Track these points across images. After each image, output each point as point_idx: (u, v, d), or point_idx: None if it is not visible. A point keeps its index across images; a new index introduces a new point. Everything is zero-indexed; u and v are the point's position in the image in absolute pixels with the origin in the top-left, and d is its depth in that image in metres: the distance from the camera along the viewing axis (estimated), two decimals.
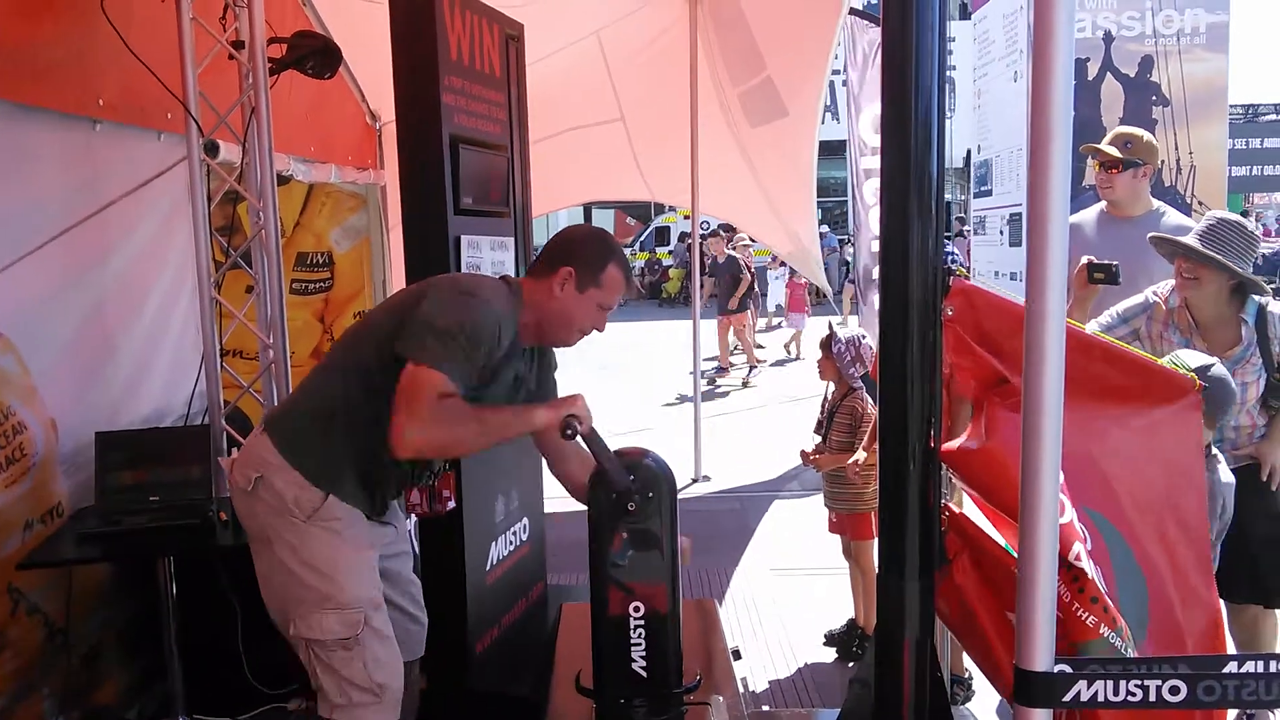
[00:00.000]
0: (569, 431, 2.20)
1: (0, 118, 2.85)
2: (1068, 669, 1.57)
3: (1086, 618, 1.84)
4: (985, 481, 2.14)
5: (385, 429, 2.15)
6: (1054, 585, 1.57)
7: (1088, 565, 1.85)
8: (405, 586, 2.66)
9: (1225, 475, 2.57)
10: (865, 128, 6.52)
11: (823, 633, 4.16)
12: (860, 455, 3.75)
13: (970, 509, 2.44)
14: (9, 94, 2.87)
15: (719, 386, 11.03)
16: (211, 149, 3.55)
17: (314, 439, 2.34)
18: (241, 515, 2.39)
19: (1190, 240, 3.01)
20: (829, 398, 4.09)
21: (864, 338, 3.90)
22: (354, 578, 2.33)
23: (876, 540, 3.49)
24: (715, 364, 11.81)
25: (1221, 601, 2.32)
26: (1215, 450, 2.61)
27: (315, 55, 3.69)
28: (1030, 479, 1.55)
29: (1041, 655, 1.56)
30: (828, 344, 3.95)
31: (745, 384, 11.10)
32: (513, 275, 2.56)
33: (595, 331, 2.51)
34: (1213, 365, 2.49)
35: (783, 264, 14.39)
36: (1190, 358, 2.49)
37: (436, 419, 2.12)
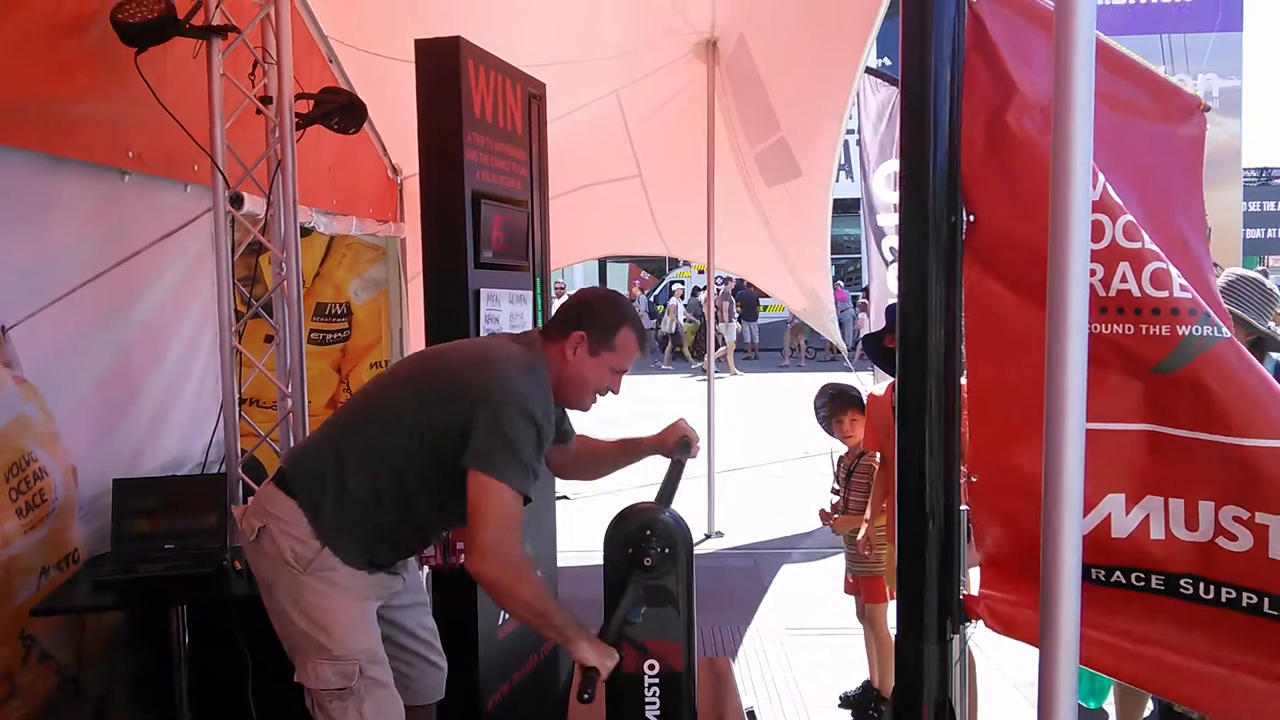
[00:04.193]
0: (583, 696, 2.13)
1: (29, 168, 2.91)
2: None
3: (1159, 330, 1.77)
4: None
5: (416, 510, 2.38)
6: (1075, 657, 1.55)
7: (1134, 283, 1.77)
8: (417, 632, 2.67)
9: None
10: (879, 185, 6.58)
11: (838, 694, 4.10)
12: (863, 529, 3.75)
13: None
14: (40, 145, 2.93)
15: None
16: (237, 201, 3.60)
17: (335, 503, 2.36)
18: (250, 564, 2.45)
19: None
20: (844, 457, 4.07)
21: None
22: (349, 629, 2.35)
23: (892, 603, 3.46)
24: None
25: None
26: None
27: (341, 111, 3.77)
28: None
29: None
30: (862, 403, 3.94)
31: None
32: (534, 331, 2.56)
33: (610, 393, 2.54)
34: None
35: None
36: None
37: (515, 569, 2.24)
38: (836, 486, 4.08)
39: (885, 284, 6.46)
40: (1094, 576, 1.91)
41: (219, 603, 3.19)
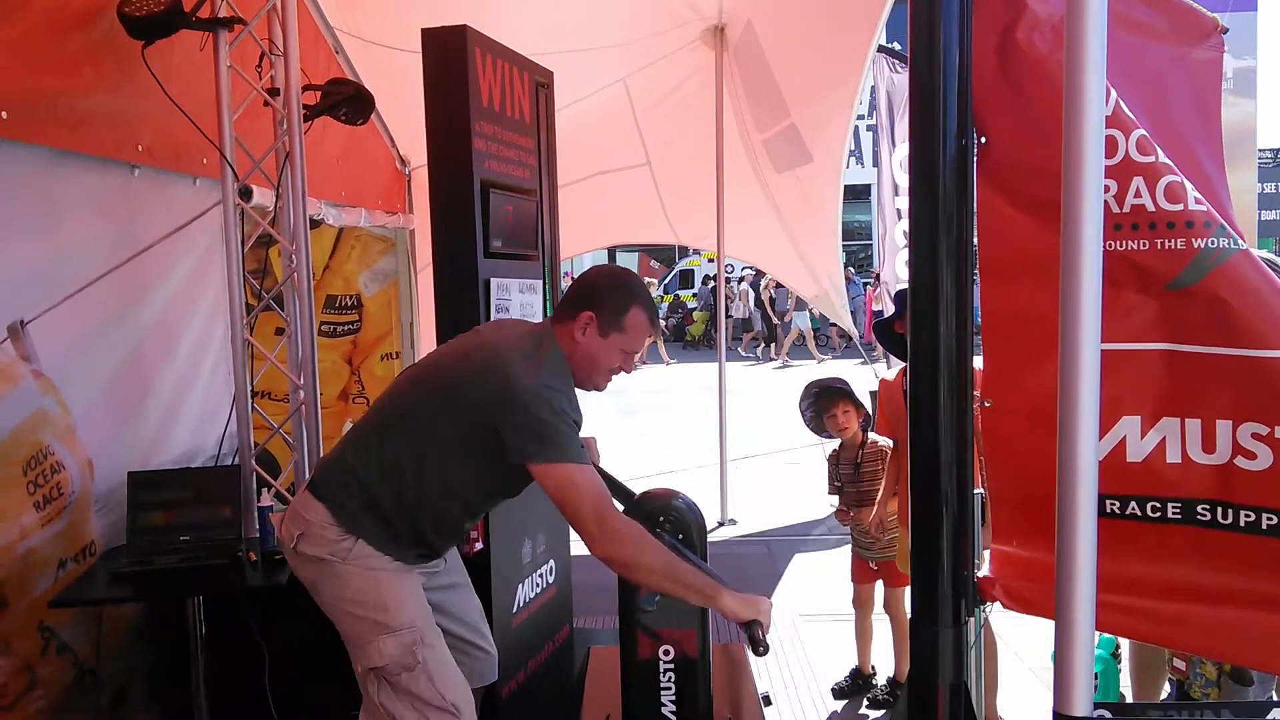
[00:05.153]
0: (760, 649, 2.16)
1: (40, 163, 2.92)
2: (1107, 715, 1.54)
3: (1174, 244, 1.73)
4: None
5: (443, 505, 2.37)
6: (1091, 628, 1.54)
7: (1148, 197, 1.73)
8: (463, 616, 2.67)
9: None
10: (896, 168, 6.54)
11: (829, 686, 4.10)
12: (875, 509, 3.75)
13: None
14: (49, 140, 2.93)
15: None
16: (246, 193, 3.61)
17: (362, 501, 2.37)
18: (295, 571, 2.47)
19: None
20: (842, 451, 4.02)
21: None
22: (401, 601, 2.37)
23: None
24: None
25: None
26: None
27: (348, 102, 3.77)
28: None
29: (1080, 700, 1.54)
30: (849, 392, 3.93)
31: None
32: (544, 320, 2.53)
33: (623, 373, 2.50)
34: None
35: None
36: None
37: (629, 541, 2.18)
38: (838, 484, 4.04)
39: (896, 270, 6.44)
40: (1109, 509, 1.87)
41: (235, 594, 3.21)
